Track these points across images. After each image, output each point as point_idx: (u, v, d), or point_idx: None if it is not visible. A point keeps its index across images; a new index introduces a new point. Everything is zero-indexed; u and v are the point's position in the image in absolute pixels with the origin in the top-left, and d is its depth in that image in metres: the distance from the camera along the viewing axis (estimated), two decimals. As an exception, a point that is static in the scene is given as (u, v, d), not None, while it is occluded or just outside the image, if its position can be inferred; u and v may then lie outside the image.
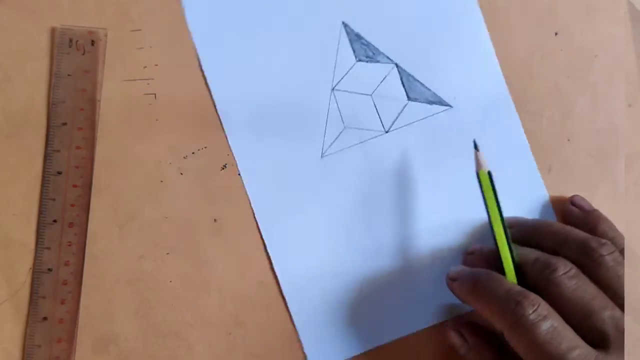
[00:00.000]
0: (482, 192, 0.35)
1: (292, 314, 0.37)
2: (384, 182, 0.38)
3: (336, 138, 0.38)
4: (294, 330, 0.37)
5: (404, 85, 0.38)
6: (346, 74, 0.38)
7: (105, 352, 0.37)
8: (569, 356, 0.30)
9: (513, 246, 0.34)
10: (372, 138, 0.38)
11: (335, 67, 0.38)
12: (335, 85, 0.38)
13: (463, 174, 0.38)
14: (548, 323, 0.30)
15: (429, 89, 0.38)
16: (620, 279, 0.32)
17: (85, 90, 0.36)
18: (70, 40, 0.36)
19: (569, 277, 0.32)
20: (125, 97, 0.37)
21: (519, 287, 0.32)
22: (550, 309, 0.31)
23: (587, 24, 0.40)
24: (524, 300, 0.31)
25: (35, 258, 0.36)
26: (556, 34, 0.40)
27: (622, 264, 0.33)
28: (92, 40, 0.36)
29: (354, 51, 0.38)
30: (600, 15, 0.40)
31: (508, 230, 0.34)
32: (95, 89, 0.36)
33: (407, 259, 0.38)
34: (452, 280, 0.36)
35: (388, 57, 0.38)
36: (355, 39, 0.38)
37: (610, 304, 0.32)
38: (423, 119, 0.38)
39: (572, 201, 0.38)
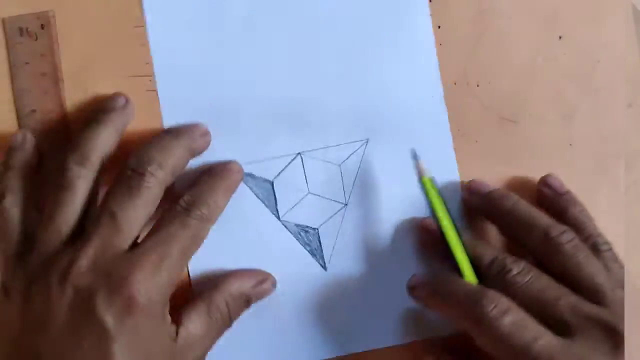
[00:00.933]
0: (429, 198, 0.35)
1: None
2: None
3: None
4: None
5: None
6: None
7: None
8: (534, 345, 0.30)
9: (467, 242, 0.35)
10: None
11: None
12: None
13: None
14: (509, 317, 0.31)
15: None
16: (578, 265, 0.33)
17: (46, 74, 0.36)
18: (20, 29, 0.36)
19: (523, 275, 0.33)
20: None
21: (477, 287, 0.33)
22: (511, 303, 0.31)
23: (591, 28, 0.40)
24: (483, 298, 0.31)
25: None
26: (560, 37, 0.40)
27: (582, 250, 0.34)
28: (42, 24, 0.36)
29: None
30: (604, 20, 0.40)
31: (460, 232, 0.35)
32: (56, 69, 0.36)
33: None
34: (411, 289, 0.36)
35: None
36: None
37: (565, 291, 0.32)
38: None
39: (545, 181, 0.38)
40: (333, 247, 0.37)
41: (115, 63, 0.37)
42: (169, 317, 0.32)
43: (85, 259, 0.30)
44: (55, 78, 0.36)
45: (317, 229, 0.38)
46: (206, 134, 0.36)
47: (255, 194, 0.37)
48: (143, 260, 0.30)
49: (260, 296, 0.36)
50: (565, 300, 0.32)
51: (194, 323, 0.32)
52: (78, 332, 0.29)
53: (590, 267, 0.33)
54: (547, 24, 0.39)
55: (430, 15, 0.39)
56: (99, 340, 0.29)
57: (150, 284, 0.30)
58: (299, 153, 0.38)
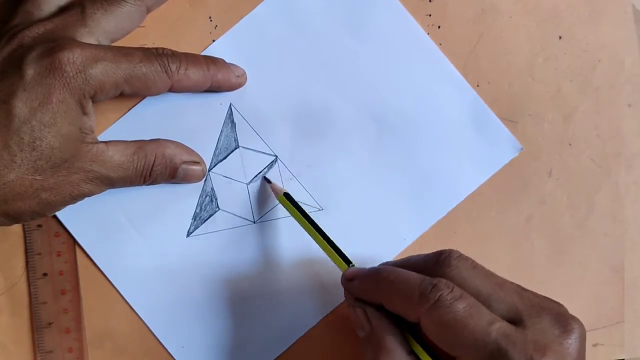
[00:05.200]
0: (290, 211, 0.36)
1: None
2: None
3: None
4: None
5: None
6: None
7: (101, 347, 0.37)
8: (491, 329, 0.30)
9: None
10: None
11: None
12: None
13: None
14: (465, 301, 0.30)
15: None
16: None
17: None
18: None
19: (451, 294, 0.31)
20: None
21: (427, 277, 0.32)
22: (463, 291, 0.31)
23: (591, 28, 0.40)
24: (439, 283, 0.31)
25: (28, 263, 0.37)
26: (560, 37, 0.39)
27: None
28: None
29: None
30: (604, 19, 0.39)
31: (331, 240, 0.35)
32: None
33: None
34: (349, 280, 0.35)
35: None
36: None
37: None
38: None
39: None
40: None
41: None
42: (87, 117, 0.33)
43: (40, 27, 0.32)
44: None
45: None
46: None
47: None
48: (92, 47, 0.32)
49: (187, 175, 0.36)
50: (509, 287, 0.32)
51: (116, 150, 0.33)
52: (1, 78, 0.31)
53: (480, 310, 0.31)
54: (547, 24, 0.39)
55: (430, 15, 0.39)
56: (11, 85, 0.31)
57: (82, 64, 0.31)
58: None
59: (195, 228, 0.37)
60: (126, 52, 0.33)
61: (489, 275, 0.32)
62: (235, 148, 0.38)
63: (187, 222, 0.37)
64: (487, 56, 0.39)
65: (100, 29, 0.33)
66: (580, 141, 0.40)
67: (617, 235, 0.40)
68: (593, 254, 0.39)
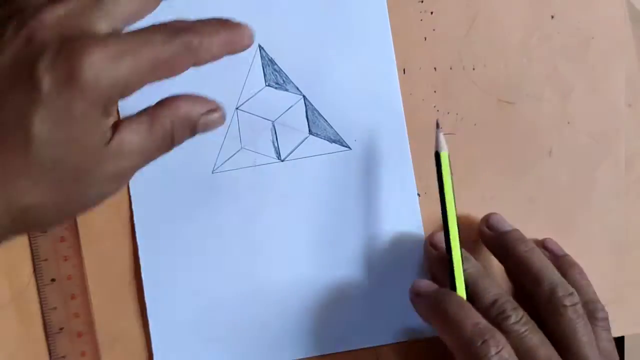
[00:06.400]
0: (440, 175, 0.35)
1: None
2: (273, 206, 0.38)
3: (230, 157, 0.38)
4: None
5: (307, 118, 0.38)
6: (253, 96, 0.38)
7: (112, 350, 0.37)
8: None
9: (474, 272, 0.35)
10: (267, 164, 0.38)
11: (243, 87, 0.38)
12: (240, 105, 0.38)
13: (350, 214, 0.38)
14: None
15: (332, 127, 0.38)
16: (574, 331, 0.33)
17: None
18: None
19: (520, 325, 0.33)
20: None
21: (485, 323, 0.32)
22: (512, 353, 0.31)
23: (583, 6, 0.40)
24: (490, 339, 0.31)
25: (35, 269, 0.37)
26: (552, 17, 0.40)
27: (582, 317, 0.34)
28: None
29: (264, 75, 0.38)
30: (595, -5, 0.40)
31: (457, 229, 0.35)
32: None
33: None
34: (415, 295, 0.36)
35: (297, 88, 0.38)
36: (268, 63, 0.38)
37: (555, 355, 0.32)
38: (320, 155, 0.38)
39: (545, 245, 0.39)
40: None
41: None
42: (109, 120, 0.28)
43: (51, 14, 0.27)
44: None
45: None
46: None
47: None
48: (110, 43, 0.27)
49: (207, 127, 0.31)
50: None
51: (132, 133, 0.28)
52: (10, 85, 0.26)
53: (585, 337, 0.34)
54: (539, 4, 0.39)
55: (422, 1, 0.39)
56: (26, 99, 0.26)
57: (103, 67, 0.26)
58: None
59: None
60: (146, 39, 0.28)
61: (539, 345, 0.33)
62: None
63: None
64: (481, 39, 0.39)
65: (116, 11, 0.28)
66: (579, 118, 0.40)
67: (620, 210, 0.40)
68: (596, 231, 0.39)
